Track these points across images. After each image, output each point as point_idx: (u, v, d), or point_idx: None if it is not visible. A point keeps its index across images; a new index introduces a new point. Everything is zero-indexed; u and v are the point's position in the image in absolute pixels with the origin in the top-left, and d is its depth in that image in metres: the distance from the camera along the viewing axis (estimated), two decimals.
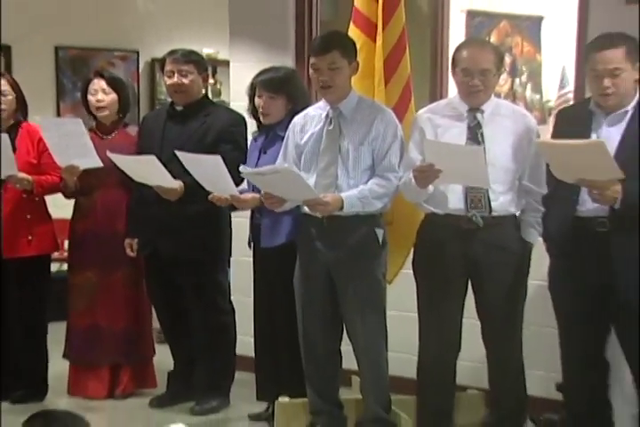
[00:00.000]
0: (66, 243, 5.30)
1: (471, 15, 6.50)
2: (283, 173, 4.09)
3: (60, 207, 5.10)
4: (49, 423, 2.69)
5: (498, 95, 5.43)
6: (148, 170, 4.49)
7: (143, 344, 5.13)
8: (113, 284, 4.97)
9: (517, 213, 4.16)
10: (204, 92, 4.98)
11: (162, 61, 4.88)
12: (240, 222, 4.80)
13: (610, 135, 3.83)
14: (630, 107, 3.86)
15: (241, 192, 4.36)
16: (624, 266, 3.82)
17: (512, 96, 6.82)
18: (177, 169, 4.45)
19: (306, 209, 4.22)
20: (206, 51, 6.30)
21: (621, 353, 4.00)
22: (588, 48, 3.93)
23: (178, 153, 4.31)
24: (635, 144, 3.80)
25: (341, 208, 4.12)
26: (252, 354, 4.75)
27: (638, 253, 3.81)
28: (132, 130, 5.04)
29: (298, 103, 4.50)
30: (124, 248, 4.86)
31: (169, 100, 5.02)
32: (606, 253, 3.83)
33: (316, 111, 4.33)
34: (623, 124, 3.85)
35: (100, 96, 4.96)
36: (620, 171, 3.63)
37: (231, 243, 4.89)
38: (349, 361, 4.39)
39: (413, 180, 4.01)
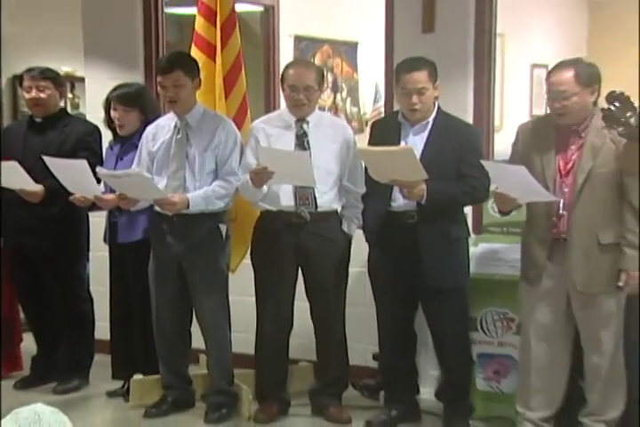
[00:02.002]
0: None
1: (298, 39, 6.53)
2: (134, 176, 4.08)
3: None
4: None
5: (322, 108, 5.55)
6: (11, 175, 4.42)
7: (13, 332, 5.01)
8: None
9: (339, 209, 4.24)
10: (62, 105, 4.92)
11: (20, 78, 4.79)
12: (96, 222, 4.76)
13: (415, 142, 3.96)
14: (430, 119, 4.00)
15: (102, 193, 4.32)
16: (429, 252, 3.95)
17: (334, 109, 6.87)
18: (38, 174, 4.38)
19: (157, 208, 4.23)
20: (65, 68, 6.19)
21: (427, 325, 4.17)
22: (398, 70, 4.02)
23: (45, 158, 4.23)
24: (435, 150, 3.94)
25: (188, 207, 4.15)
26: (109, 338, 4.71)
27: (440, 241, 3.97)
28: None
29: (149, 115, 4.47)
30: None
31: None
32: (415, 241, 3.96)
33: (166, 122, 4.32)
34: (425, 133, 3.99)
35: None
36: (424, 172, 3.75)
37: (89, 239, 4.85)
38: (197, 341, 4.41)
39: (250, 181, 4.06)
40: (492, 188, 3.85)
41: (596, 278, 3.72)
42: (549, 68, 3.77)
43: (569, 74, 3.63)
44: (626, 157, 2.28)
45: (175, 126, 4.27)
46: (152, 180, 4.19)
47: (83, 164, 4.16)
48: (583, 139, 3.68)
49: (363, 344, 4.60)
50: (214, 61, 4.55)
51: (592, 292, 3.74)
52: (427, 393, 4.34)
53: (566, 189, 3.72)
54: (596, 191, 3.67)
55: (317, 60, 6.71)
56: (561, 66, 3.71)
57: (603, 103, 2.25)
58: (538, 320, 3.86)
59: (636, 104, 2.15)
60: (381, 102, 5.71)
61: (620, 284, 3.67)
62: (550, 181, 3.71)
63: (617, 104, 2.17)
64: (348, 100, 7.11)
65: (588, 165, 3.66)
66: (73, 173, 4.23)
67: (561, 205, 3.72)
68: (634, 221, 3.63)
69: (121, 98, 4.47)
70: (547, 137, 3.78)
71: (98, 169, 4.14)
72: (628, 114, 2.16)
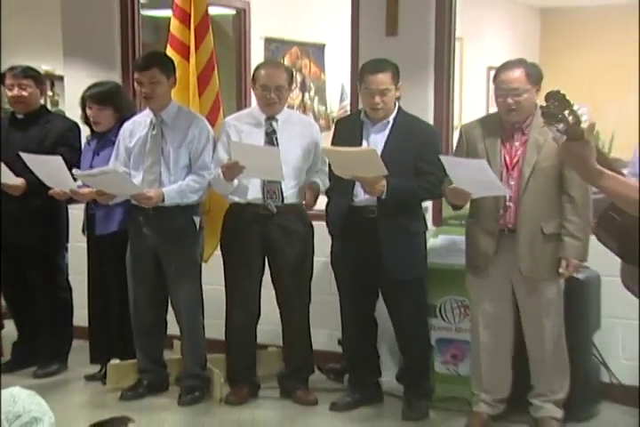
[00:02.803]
0: None
1: (268, 41, 6.53)
2: (110, 173, 4.08)
3: None
4: None
5: (291, 107, 5.54)
6: None
7: None
8: None
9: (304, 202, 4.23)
10: (42, 102, 4.91)
11: (2, 76, 4.76)
12: (75, 214, 4.75)
13: (376, 140, 3.98)
14: (391, 118, 4.01)
15: (78, 187, 4.31)
16: (389, 245, 3.97)
17: (303, 107, 6.86)
18: (20, 169, 4.36)
19: (134, 201, 4.23)
20: (45, 67, 6.15)
21: (387, 313, 4.18)
22: (362, 71, 4.02)
23: (22, 155, 4.22)
24: (395, 148, 3.96)
25: (163, 200, 4.15)
26: (87, 324, 4.70)
27: (399, 235, 3.98)
28: None
29: (124, 112, 4.45)
30: None
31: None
32: (375, 235, 3.97)
33: (142, 118, 4.31)
34: (386, 132, 4.00)
35: None
36: (385, 169, 3.77)
37: (68, 231, 4.84)
38: (172, 327, 4.41)
39: (222, 175, 4.06)
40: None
41: (540, 266, 3.79)
42: (497, 68, 3.81)
43: (519, 72, 3.71)
44: (564, 153, 2.31)
45: (151, 123, 4.27)
46: (127, 176, 4.19)
47: (58, 160, 4.16)
48: (527, 135, 3.76)
49: (329, 330, 4.62)
50: (188, 61, 4.54)
51: (537, 278, 3.80)
52: (388, 376, 4.36)
53: (512, 183, 3.78)
54: (540, 184, 3.74)
55: (287, 61, 6.71)
56: (509, 65, 3.77)
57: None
58: (485, 309, 3.94)
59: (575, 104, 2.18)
60: (347, 101, 5.74)
61: (561, 270, 3.75)
62: (497, 174, 3.75)
63: (555, 102, 2.19)
64: (316, 99, 7.12)
65: (533, 160, 3.73)
66: (50, 169, 4.22)
67: (507, 197, 3.77)
68: (573, 211, 3.71)
69: (94, 97, 4.46)
70: (493, 134, 3.82)
71: (74, 171, 4.13)
72: (566, 112, 2.19)
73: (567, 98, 2.19)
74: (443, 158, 3.72)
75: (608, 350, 4.22)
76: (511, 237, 3.79)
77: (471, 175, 3.64)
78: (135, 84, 4.26)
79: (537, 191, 3.74)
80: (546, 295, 3.82)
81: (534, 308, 3.85)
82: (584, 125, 2.22)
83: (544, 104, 2.24)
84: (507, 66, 3.77)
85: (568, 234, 3.73)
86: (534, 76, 3.74)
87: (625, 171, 3.69)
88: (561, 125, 2.20)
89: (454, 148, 4.10)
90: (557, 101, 2.19)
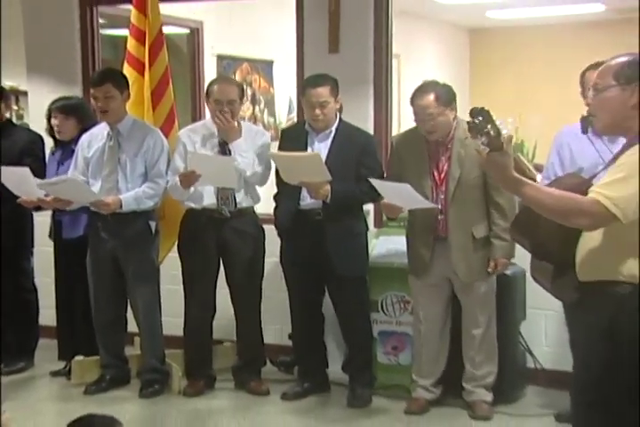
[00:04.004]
0: None
1: (220, 58, 6.50)
2: (69, 182, 4.07)
3: None
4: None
5: (243, 118, 5.53)
6: None
7: None
8: None
9: (254, 206, 4.24)
10: (8, 116, 4.85)
11: None
12: (40, 220, 4.70)
13: (320, 149, 3.99)
14: (333, 128, 4.04)
15: (45, 195, 4.25)
16: (334, 245, 3.99)
17: (254, 119, 6.86)
18: None
19: (93, 208, 4.18)
20: (9, 83, 6.06)
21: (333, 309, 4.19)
22: (304, 85, 4.06)
23: None
24: (337, 155, 3.98)
25: (121, 207, 4.13)
26: (54, 323, 4.65)
27: (343, 235, 4.00)
28: None
29: (86, 123, 4.41)
30: None
31: None
32: (321, 236, 3.98)
33: (100, 131, 4.28)
34: (329, 141, 4.03)
35: None
36: (329, 175, 3.81)
37: (33, 236, 4.77)
38: (133, 325, 4.38)
39: (179, 182, 4.06)
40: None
41: (474, 269, 3.86)
42: (412, 92, 3.84)
43: (430, 97, 3.76)
44: (486, 163, 2.36)
45: (108, 134, 4.24)
46: (86, 184, 4.17)
47: (25, 171, 4.14)
48: (450, 150, 3.83)
49: (279, 325, 4.62)
50: (144, 77, 4.51)
51: (472, 280, 3.87)
52: (334, 367, 4.37)
53: (442, 196, 3.85)
54: (466, 195, 3.81)
55: (238, 77, 6.70)
56: (421, 90, 3.82)
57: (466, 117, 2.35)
58: (425, 305, 3.99)
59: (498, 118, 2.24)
60: (294, 113, 5.74)
61: (489, 270, 3.81)
62: (428, 190, 3.84)
63: (479, 117, 2.24)
64: (266, 111, 7.12)
65: (457, 174, 3.80)
66: (17, 179, 4.19)
67: (438, 210, 3.83)
68: (499, 216, 3.79)
69: (60, 108, 4.44)
70: (419, 149, 3.89)
71: (36, 181, 4.10)
72: (489, 126, 2.24)
73: (490, 113, 2.24)
74: (373, 181, 3.77)
75: (532, 338, 4.29)
76: (445, 244, 3.86)
77: (399, 194, 3.72)
78: (91, 98, 4.24)
79: (463, 201, 3.81)
80: (480, 291, 3.89)
81: (471, 303, 3.92)
82: (504, 138, 2.27)
83: (469, 119, 2.28)
84: (419, 91, 3.83)
85: (495, 236, 3.81)
86: (445, 97, 3.79)
87: (540, 175, 3.82)
88: (484, 138, 2.25)
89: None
90: (481, 117, 2.24)
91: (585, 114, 3.34)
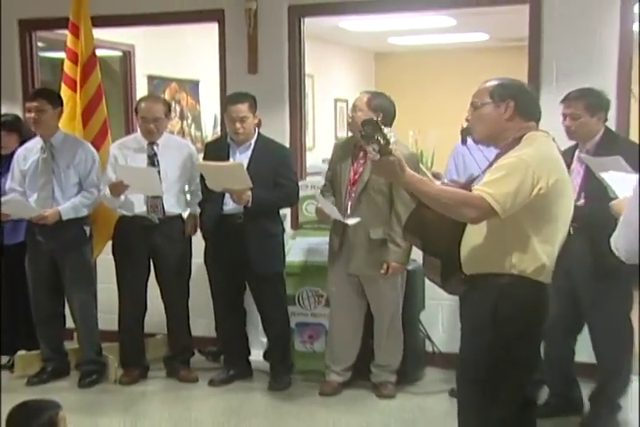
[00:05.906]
0: None
1: (151, 78, 6.42)
2: (12, 202, 3.98)
3: None
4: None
5: (172, 132, 5.48)
6: None
7: None
8: None
9: (182, 213, 4.21)
10: None
11: None
12: None
13: (241, 159, 3.96)
14: (252, 141, 4.02)
15: None
16: (253, 245, 3.96)
17: (182, 133, 6.82)
18: None
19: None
20: None
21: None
22: (226, 101, 4.04)
23: None
24: (257, 165, 3.95)
25: (60, 218, 4.04)
26: None
27: (262, 237, 3.97)
28: None
29: (25, 138, 4.30)
30: None
31: None
32: (242, 238, 3.96)
33: (34, 145, 4.18)
34: (249, 153, 4.00)
35: None
36: (250, 182, 3.78)
37: None
38: (71, 321, 4.29)
39: (109, 192, 4.00)
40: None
41: (364, 265, 3.86)
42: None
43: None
44: (377, 168, 2.39)
45: (42, 148, 4.14)
46: (26, 201, 4.06)
47: None
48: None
49: (207, 319, 4.53)
50: None
51: (360, 274, 3.88)
52: (257, 355, 4.36)
53: (353, 195, 3.85)
54: (370, 198, 3.83)
55: (167, 95, 6.63)
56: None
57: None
58: (339, 295, 4.00)
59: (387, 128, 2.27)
60: (219, 128, 5.70)
61: (382, 271, 3.81)
62: (344, 188, 3.84)
63: (370, 127, 2.27)
64: (193, 125, 7.07)
65: (366, 177, 3.81)
66: None
67: (347, 207, 3.85)
68: (397, 223, 3.75)
69: (3, 124, 4.34)
70: (347, 152, 3.91)
71: None
72: (377, 135, 2.26)
73: (379, 123, 2.26)
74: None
75: (431, 325, 4.35)
76: (350, 239, 3.87)
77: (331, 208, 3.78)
78: (26, 112, 4.13)
79: (367, 203, 3.82)
80: (387, 286, 3.89)
81: (377, 295, 3.93)
82: (392, 145, 2.28)
83: (360, 128, 2.30)
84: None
85: (391, 241, 3.80)
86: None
87: (444, 180, 3.87)
88: (375, 145, 2.27)
89: (323, 160, 4.16)
90: (371, 126, 2.26)
91: (464, 126, 3.44)
